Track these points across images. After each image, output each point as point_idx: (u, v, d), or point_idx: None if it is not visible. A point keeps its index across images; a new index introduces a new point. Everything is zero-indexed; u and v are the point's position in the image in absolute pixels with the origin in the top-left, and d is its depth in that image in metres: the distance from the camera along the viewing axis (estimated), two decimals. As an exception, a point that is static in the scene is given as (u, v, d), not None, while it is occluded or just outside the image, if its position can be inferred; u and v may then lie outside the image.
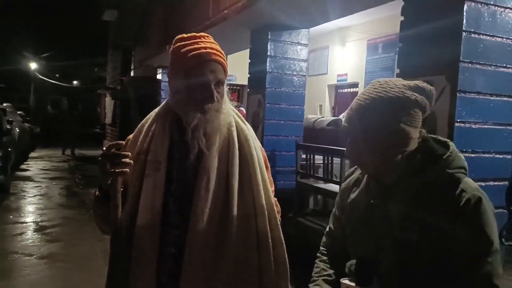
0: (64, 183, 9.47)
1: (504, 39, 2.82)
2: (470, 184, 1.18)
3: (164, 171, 1.37)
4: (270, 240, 1.40)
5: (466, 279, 1.12)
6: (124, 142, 1.45)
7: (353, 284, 1.17)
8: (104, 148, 1.35)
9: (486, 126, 2.80)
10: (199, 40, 1.40)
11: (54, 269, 4.42)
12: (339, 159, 4.30)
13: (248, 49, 5.73)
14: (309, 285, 1.43)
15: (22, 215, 6.61)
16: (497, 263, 1.13)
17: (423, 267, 1.16)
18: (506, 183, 2.85)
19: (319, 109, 9.03)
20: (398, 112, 1.18)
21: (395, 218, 1.21)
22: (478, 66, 2.75)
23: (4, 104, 11.66)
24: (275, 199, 1.52)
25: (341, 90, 8.86)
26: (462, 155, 1.25)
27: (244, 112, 5.80)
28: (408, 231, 1.17)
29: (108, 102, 17.10)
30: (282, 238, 1.45)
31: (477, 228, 1.13)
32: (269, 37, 5.15)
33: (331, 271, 1.43)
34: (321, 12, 4.65)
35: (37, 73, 27.35)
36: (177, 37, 1.43)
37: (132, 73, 14.07)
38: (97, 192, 1.43)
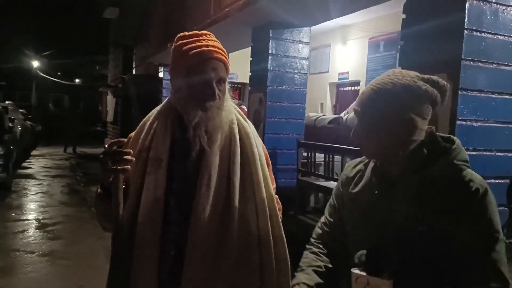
0: (66, 181, 9.49)
1: (506, 37, 2.81)
2: (476, 175, 1.21)
3: (165, 169, 1.37)
4: (271, 238, 1.40)
5: (476, 267, 1.15)
6: (125, 140, 1.45)
7: (363, 273, 1.17)
8: (106, 146, 1.35)
9: (487, 124, 2.80)
10: (200, 38, 1.40)
11: (56, 267, 4.43)
12: (340, 157, 4.30)
13: (250, 47, 5.73)
14: (295, 273, 1.42)
15: (24, 212, 6.63)
16: (503, 251, 1.17)
17: (431, 258, 1.17)
18: (507, 181, 2.85)
19: (320, 107, 9.03)
20: (408, 100, 1.21)
21: (402, 210, 1.22)
22: (480, 64, 2.74)
23: (6, 102, 11.65)
24: (276, 196, 1.52)
25: (342, 88, 8.86)
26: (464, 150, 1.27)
27: (246, 110, 5.80)
28: (416, 222, 1.19)
29: (110, 100, 17.09)
30: (283, 235, 1.45)
31: (486, 218, 1.16)
32: (271, 35, 5.15)
33: (321, 263, 1.42)
34: (322, 10, 4.64)
35: (38, 71, 27.37)
36: (178, 35, 1.43)
37: (133, 71, 14.07)
38: (98, 190, 1.43)
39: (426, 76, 1.25)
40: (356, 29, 7.70)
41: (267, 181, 1.45)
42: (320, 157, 4.68)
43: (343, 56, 8.34)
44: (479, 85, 2.75)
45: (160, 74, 11.29)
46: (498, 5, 2.78)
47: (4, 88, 24.76)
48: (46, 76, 27.10)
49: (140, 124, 1.49)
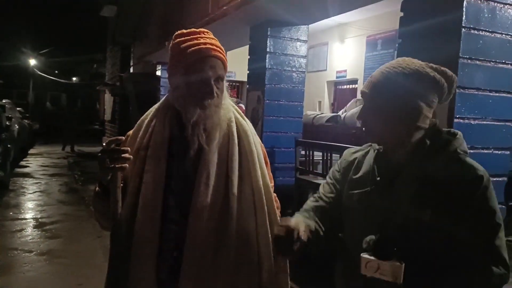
0: (64, 179, 9.47)
1: (504, 35, 2.81)
2: (478, 164, 1.25)
3: (164, 167, 1.37)
4: (270, 236, 1.40)
5: (481, 253, 1.19)
6: (123, 138, 1.45)
7: (373, 258, 1.17)
8: (104, 144, 1.35)
9: (485, 122, 2.81)
10: (198, 35, 1.40)
11: (54, 266, 4.42)
12: (338, 155, 4.29)
13: (248, 46, 5.72)
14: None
15: (22, 211, 6.62)
16: (504, 238, 1.22)
17: (437, 244, 1.20)
18: (505, 179, 2.86)
19: (318, 106, 9.03)
20: (416, 85, 1.24)
21: (405, 197, 1.24)
22: (478, 62, 2.75)
23: (3, 101, 11.59)
24: (275, 195, 1.52)
25: (340, 87, 8.86)
26: None
27: (244, 108, 5.79)
28: (420, 209, 1.21)
29: (107, 98, 17.03)
30: (282, 233, 1.45)
31: (491, 204, 1.20)
32: (269, 33, 5.14)
33: (313, 223, 1.40)
34: (320, 8, 4.64)
35: (36, 70, 27.27)
36: (176, 33, 1.43)
37: (131, 70, 14.03)
38: (97, 188, 1.43)
39: (434, 65, 1.28)
40: (354, 27, 7.71)
41: (265, 179, 1.45)
42: (318, 155, 4.68)
43: (341, 54, 8.34)
44: (477, 83, 2.76)
45: (158, 73, 11.27)
46: (495, 3, 2.78)
47: (1, 86, 24.65)
48: (44, 74, 27.01)
49: (138, 122, 1.49)
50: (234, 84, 10.33)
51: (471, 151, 2.72)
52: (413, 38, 3.03)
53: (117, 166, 1.33)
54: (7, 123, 8.83)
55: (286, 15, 4.93)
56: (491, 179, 1.25)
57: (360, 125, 1.47)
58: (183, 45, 1.37)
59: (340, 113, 6.14)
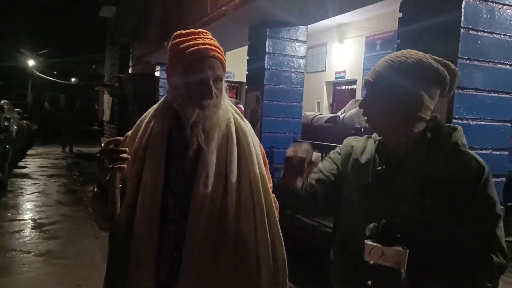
0: (62, 180, 9.46)
1: (502, 35, 2.82)
2: (479, 156, 1.27)
3: (163, 167, 1.37)
4: (268, 236, 1.40)
5: (483, 242, 1.21)
6: (122, 139, 1.44)
7: (377, 244, 1.17)
8: (102, 145, 1.35)
9: (483, 123, 2.81)
10: (197, 36, 1.40)
11: (52, 266, 4.41)
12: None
13: (247, 46, 5.72)
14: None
15: (20, 212, 6.60)
16: (503, 228, 1.25)
17: (438, 232, 1.21)
18: (504, 179, 2.86)
19: (317, 106, 9.03)
20: (419, 75, 1.26)
21: (407, 187, 1.26)
22: (476, 62, 2.75)
23: (2, 101, 11.59)
24: (274, 195, 1.52)
25: (339, 87, 8.87)
26: None
27: (243, 109, 5.79)
28: (423, 199, 1.23)
29: (106, 99, 17.03)
30: (281, 234, 1.45)
31: (492, 194, 1.23)
32: (267, 33, 5.15)
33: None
34: (319, 9, 4.65)
35: (34, 70, 27.24)
36: (175, 33, 1.43)
37: (130, 70, 14.03)
38: (95, 189, 1.43)
39: (438, 58, 1.30)
40: (353, 28, 7.71)
41: (264, 180, 1.45)
42: (317, 156, 4.67)
43: (340, 55, 8.34)
44: (475, 84, 2.76)
45: (157, 73, 11.27)
46: (494, 4, 2.79)
47: (0, 87, 24.64)
48: (42, 75, 26.98)
49: (137, 123, 1.49)
50: (233, 84, 10.33)
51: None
52: (411, 39, 3.03)
53: (115, 166, 1.32)
54: (5, 123, 8.82)
55: (285, 15, 4.93)
56: (490, 179, 1.26)
57: (362, 114, 1.50)
58: (182, 45, 1.37)
59: (339, 113, 6.13)
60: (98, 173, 1.37)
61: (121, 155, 1.33)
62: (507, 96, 2.87)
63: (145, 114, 1.50)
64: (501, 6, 2.80)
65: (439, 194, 1.22)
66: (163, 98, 1.51)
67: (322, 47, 8.74)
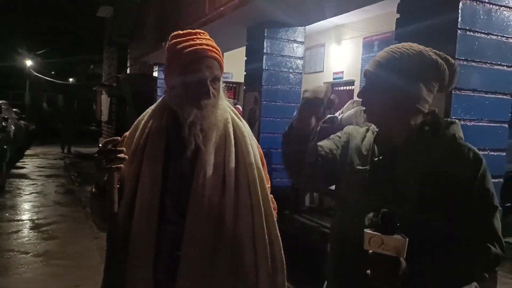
0: (60, 180, 9.44)
1: (499, 37, 2.83)
2: (475, 148, 1.29)
3: (160, 167, 1.38)
4: (266, 237, 1.40)
5: (479, 231, 1.22)
6: (120, 139, 1.45)
7: (377, 233, 1.18)
8: (100, 145, 1.35)
9: (481, 124, 2.82)
10: (195, 36, 1.40)
11: (50, 267, 4.41)
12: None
13: (244, 47, 5.72)
14: None
15: (18, 213, 6.59)
16: (499, 218, 1.26)
17: (436, 221, 1.23)
18: (501, 180, 2.87)
19: (316, 107, 9.02)
20: (418, 67, 1.28)
21: (406, 177, 1.27)
22: (473, 63, 2.76)
23: (-1, 101, 11.58)
24: (271, 196, 1.52)
25: (337, 88, 8.87)
26: None
27: (241, 109, 5.79)
28: (421, 188, 1.24)
29: (104, 99, 17.00)
30: (279, 234, 1.45)
31: (489, 186, 1.25)
32: (265, 34, 5.14)
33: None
34: (317, 9, 4.65)
35: (32, 70, 27.19)
36: (173, 34, 1.44)
37: (128, 70, 14.02)
38: (93, 189, 1.43)
39: (438, 52, 1.32)
40: (350, 29, 7.72)
41: (262, 180, 1.45)
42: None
43: (338, 55, 8.35)
44: (473, 85, 2.77)
45: (155, 73, 11.26)
46: (491, 5, 2.79)
47: (-3, 87, 24.62)
48: (40, 75, 26.93)
49: (134, 123, 1.49)
50: (231, 85, 10.32)
51: (467, 152, 2.73)
52: (409, 40, 2.97)
53: (113, 166, 1.33)
54: (3, 124, 8.80)
55: (283, 16, 4.93)
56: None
57: (360, 103, 1.53)
58: (180, 45, 1.38)
59: (337, 114, 6.14)
60: (96, 173, 1.37)
61: (119, 155, 1.33)
62: (504, 97, 2.88)
63: (143, 114, 1.51)
64: (498, 7, 2.81)
65: (437, 185, 1.23)
66: (161, 98, 1.51)
67: (320, 48, 8.75)
